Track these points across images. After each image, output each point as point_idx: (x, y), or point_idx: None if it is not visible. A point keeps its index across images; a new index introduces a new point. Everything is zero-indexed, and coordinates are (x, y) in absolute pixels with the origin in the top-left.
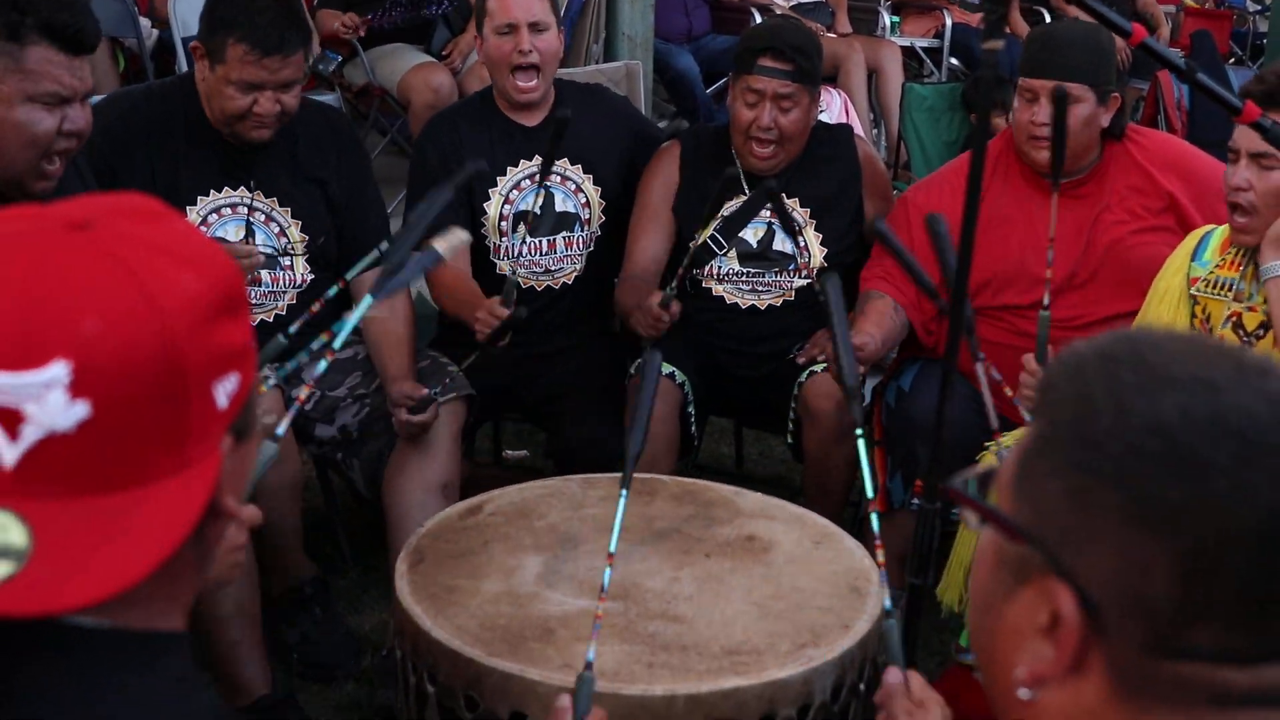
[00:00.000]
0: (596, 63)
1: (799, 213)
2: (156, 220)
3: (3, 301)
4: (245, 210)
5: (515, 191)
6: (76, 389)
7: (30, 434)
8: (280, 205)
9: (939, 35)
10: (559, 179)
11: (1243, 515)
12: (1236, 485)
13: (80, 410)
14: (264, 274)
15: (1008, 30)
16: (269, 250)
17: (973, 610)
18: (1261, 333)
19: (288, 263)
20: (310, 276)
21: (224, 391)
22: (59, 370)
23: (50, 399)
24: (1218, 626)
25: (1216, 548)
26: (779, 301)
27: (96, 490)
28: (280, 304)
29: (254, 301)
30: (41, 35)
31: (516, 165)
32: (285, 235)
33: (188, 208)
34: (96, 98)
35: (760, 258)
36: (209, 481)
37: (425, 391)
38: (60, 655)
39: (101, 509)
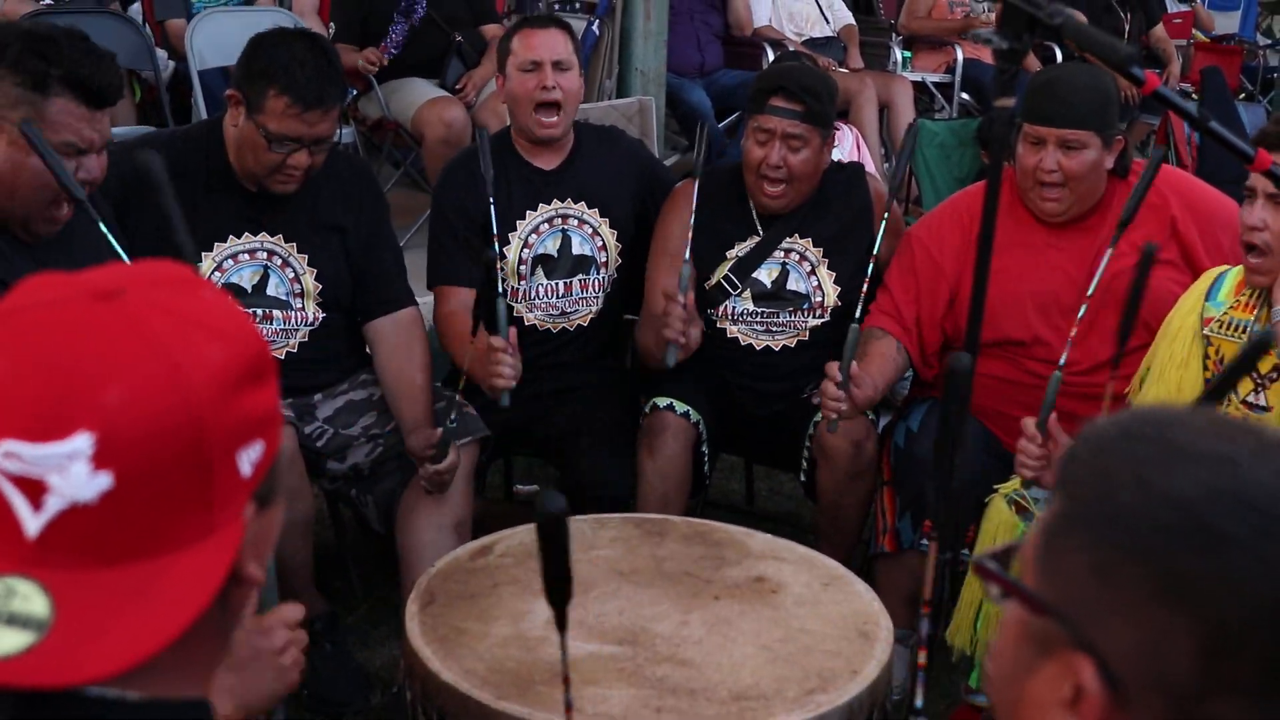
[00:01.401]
0: (610, 98)
1: (812, 253)
2: (185, 289)
3: (28, 372)
4: (264, 255)
5: (534, 236)
6: (99, 460)
7: (53, 504)
8: (298, 251)
9: (950, 70)
10: (576, 222)
11: (1263, 589)
12: (1257, 559)
13: (103, 482)
14: (276, 313)
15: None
16: (281, 296)
17: (995, 683)
18: (1275, 375)
19: (299, 304)
20: (321, 315)
21: (248, 460)
22: (82, 442)
23: (73, 470)
24: (1239, 701)
25: (1237, 622)
26: (793, 342)
27: (119, 560)
28: (292, 341)
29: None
30: (65, 87)
31: (535, 209)
32: (299, 282)
33: (203, 254)
34: (115, 129)
35: (775, 298)
36: (230, 550)
37: (439, 431)
38: None
39: (123, 579)
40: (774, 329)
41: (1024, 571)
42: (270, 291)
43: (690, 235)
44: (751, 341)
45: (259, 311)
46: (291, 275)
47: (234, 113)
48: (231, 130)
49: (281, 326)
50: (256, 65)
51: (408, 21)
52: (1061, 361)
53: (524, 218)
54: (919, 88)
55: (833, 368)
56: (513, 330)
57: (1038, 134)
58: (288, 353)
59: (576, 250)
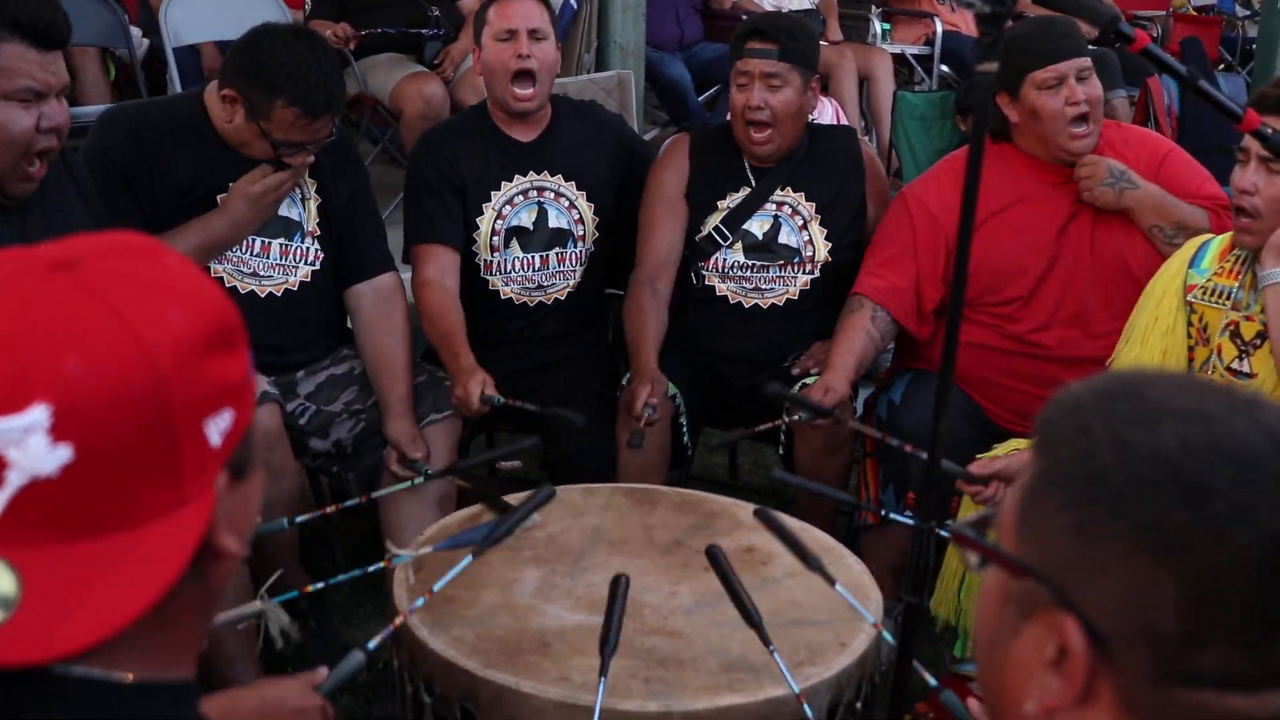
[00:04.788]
0: (588, 72)
1: (805, 207)
2: (146, 257)
3: None
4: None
5: (508, 207)
6: (58, 432)
7: (14, 480)
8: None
9: (929, 42)
10: (553, 195)
11: (1242, 539)
12: (1236, 509)
13: (63, 454)
14: (274, 244)
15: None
16: (294, 217)
17: (980, 648)
18: (1259, 342)
19: (299, 238)
20: (321, 256)
21: (217, 429)
22: (39, 414)
23: (31, 444)
24: (1223, 652)
25: (1218, 572)
26: (782, 300)
27: (86, 534)
28: (292, 279)
29: (262, 273)
30: (12, 32)
31: (510, 180)
32: (303, 207)
33: (219, 196)
34: (91, 107)
35: (765, 250)
36: (201, 521)
37: (419, 456)
38: (64, 708)
39: (92, 553)
40: (763, 286)
41: (1003, 536)
42: (283, 212)
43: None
44: (740, 300)
45: (259, 241)
46: (297, 215)
47: (229, 108)
48: (226, 125)
49: (279, 261)
50: (261, 72)
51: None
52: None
53: (499, 189)
54: (898, 60)
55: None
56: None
57: (1058, 73)
58: (285, 290)
59: (553, 223)
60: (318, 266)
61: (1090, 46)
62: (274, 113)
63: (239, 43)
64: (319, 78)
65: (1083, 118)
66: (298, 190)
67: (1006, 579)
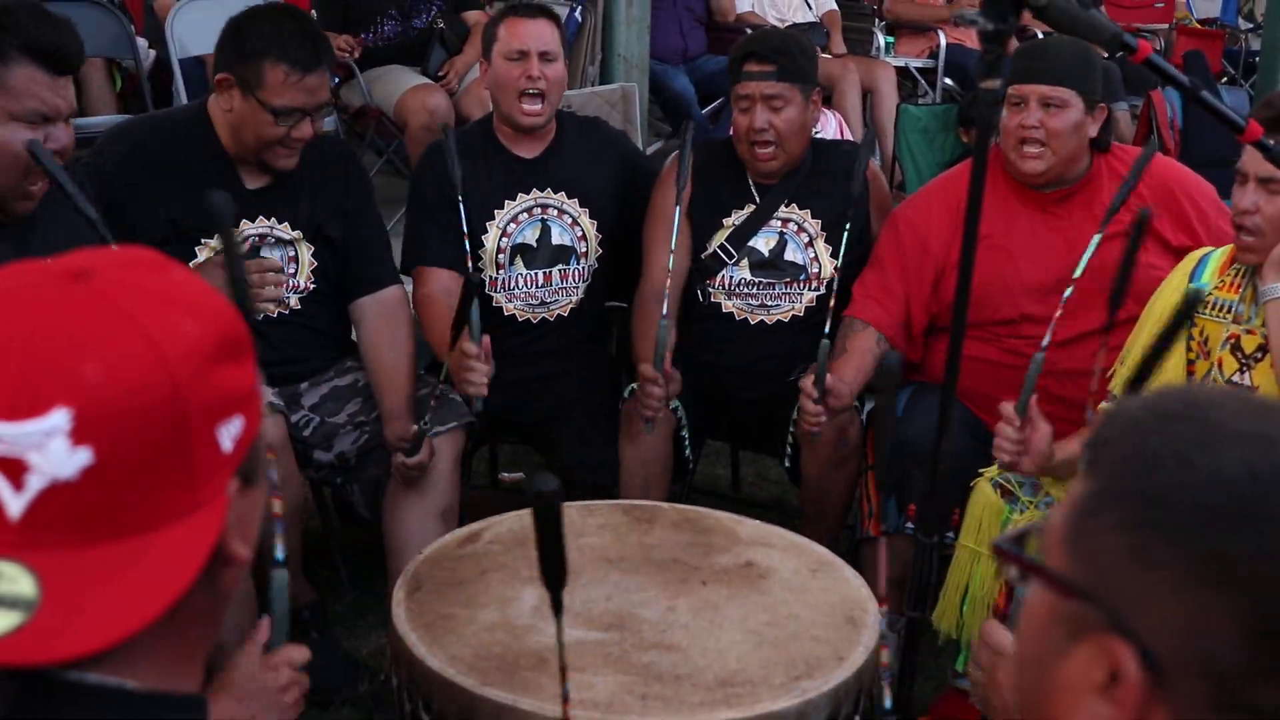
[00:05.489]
0: (593, 84)
1: (811, 224)
2: (156, 269)
3: (2, 352)
4: (256, 239)
5: (513, 225)
6: (78, 436)
7: (34, 483)
8: (299, 240)
9: (933, 55)
10: (556, 212)
11: None
12: None
13: (82, 457)
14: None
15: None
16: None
17: (1021, 668)
18: (1260, 355)
19: (292, 269)
20: (313, 285)
21: (228, 435)
22: (60, 418)
23: (52, 447)
24: None
25: None
26: (788, 317)
27: (103, 537)
28: (282, 304)
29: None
30: (24, 54)
31: (514, 199)
32: (293, 247)
33: (204, 240)
34: (97, 118)
35: (771, 266)
36: (215, 525)
37: (415, 428)
38: (75, 715)
39: (109, 556)
40: (769, 302)
41: (1049, 553)
42: (265, 253)
43: (669, 280)
44: (746, 316)
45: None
46: (292, 253)
47: (226, 97)
48: (225, 115)
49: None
50: (247, 45)
51: (407, 22)
52: (1045, 343)
53: (502, 206)
54: (902, 73)
55: (808, 384)
56: (486, 338)
57: (1020, 94)
58: (280, 313)
59: (556, 240)
60: (307, 294)
61: None
62: (265, 78)
63: (222, 35)
64: (301, 30)
65: (1031, 140)
66: (290, 249)
67: (1054, 599)
